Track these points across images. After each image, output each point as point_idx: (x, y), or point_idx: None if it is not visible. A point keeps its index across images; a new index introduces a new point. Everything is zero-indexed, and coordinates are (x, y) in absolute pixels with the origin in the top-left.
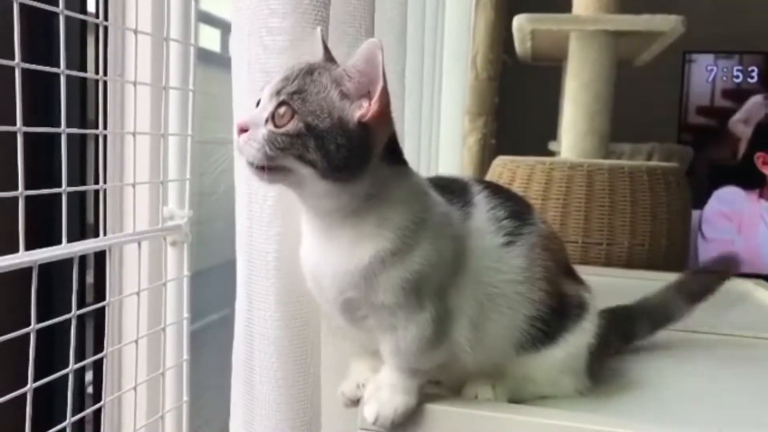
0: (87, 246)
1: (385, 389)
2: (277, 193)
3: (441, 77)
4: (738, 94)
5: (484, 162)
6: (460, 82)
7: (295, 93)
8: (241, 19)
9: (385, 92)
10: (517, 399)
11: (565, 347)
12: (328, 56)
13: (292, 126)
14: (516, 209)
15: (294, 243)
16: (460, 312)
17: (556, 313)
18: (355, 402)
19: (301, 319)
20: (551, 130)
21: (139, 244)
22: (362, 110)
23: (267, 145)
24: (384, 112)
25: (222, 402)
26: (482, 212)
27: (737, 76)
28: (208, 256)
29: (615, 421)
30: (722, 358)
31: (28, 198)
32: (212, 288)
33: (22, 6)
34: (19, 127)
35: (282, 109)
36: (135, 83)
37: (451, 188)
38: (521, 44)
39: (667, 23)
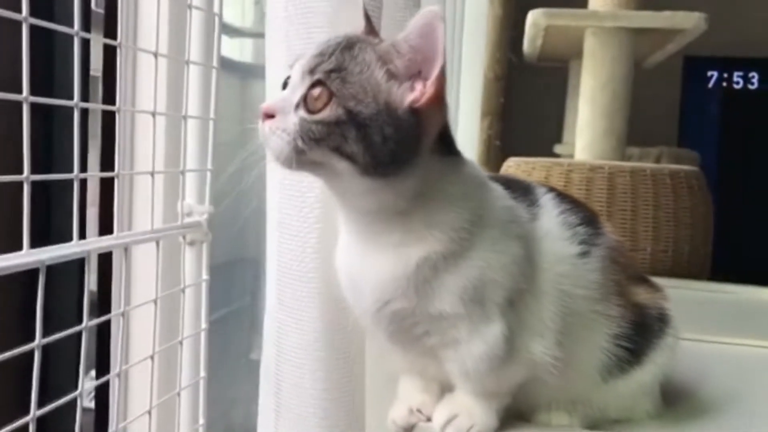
0: (101, 244)
1: (462, 416)
2: (313, 183)
3: (460, 76)
4: (738, 100)
5: (489, 164)
6: (476, 81)
7: (332, 71)
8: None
9: (443, 73)
10: (592, 424)
11: (651, 367)
12: (370, 29)
13: (330, 112)
14: (587, 215)
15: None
16: (541, 323)
17: (639, 328)
18: (409, 430)
19: (342, 331)
20: (554, 133)
21: (158, 244)
22: (415, 93)
23: (299, 138)
24: (440, 97)
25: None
26: (551, 215)
27: (737, 82)
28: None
29: None
30: None
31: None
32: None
33: None
34: (26, 95)
35: (317, 91)
36: (156, 55)
37: (513, 186)
38: (531, 42)
39: (689, 20)
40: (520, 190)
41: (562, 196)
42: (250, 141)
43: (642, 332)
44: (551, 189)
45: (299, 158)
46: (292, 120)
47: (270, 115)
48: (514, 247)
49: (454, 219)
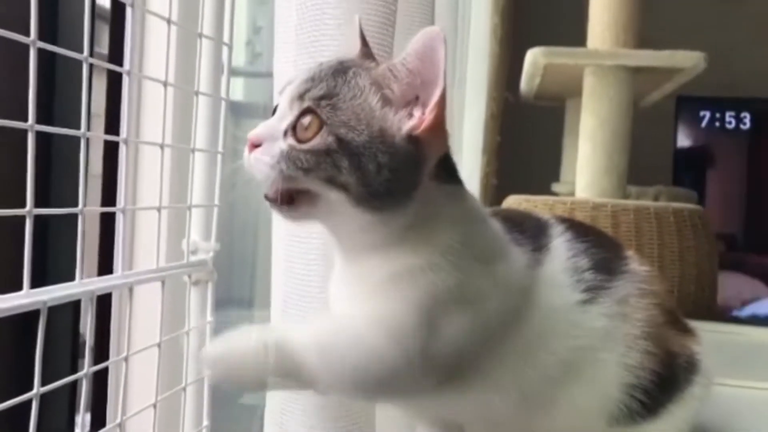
0: (105, 284)
1: None
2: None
3: (463, 113)
4: (730, 140)
5: (486, 202)
6: (478, 119)
7: (323, 98)
8: (289, 13)
9: (443, 99)
10: None
11: (669, 420)
12: (366, 51)
13: (320, 140)
14: (604, 257)
15: None
16: (501, 384)
17: (660, 380)
18: None
19: None
20: (550, 171)
21: (163, 283)
22: (413, 121)
23: (284, 162)
24: (440, 124)
25: None
26: (560, 260)
27: (730, 122)
28: None
29: None
30: None
31: (20, 230)
32: None
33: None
34: (31, 123)
35: (306, 119)
36: (165, 84)
37: (523, 226)
38: (529, 80)
39: (689, 59)
40: (531, 230)
41: (581, 235)
42: (237, 179)
43: (663, 384)
44: (571, 226)
45: (287, 186)
46: (279, 146)
47: (257, 145)
48: (495, 297)
49: (444, 236)
